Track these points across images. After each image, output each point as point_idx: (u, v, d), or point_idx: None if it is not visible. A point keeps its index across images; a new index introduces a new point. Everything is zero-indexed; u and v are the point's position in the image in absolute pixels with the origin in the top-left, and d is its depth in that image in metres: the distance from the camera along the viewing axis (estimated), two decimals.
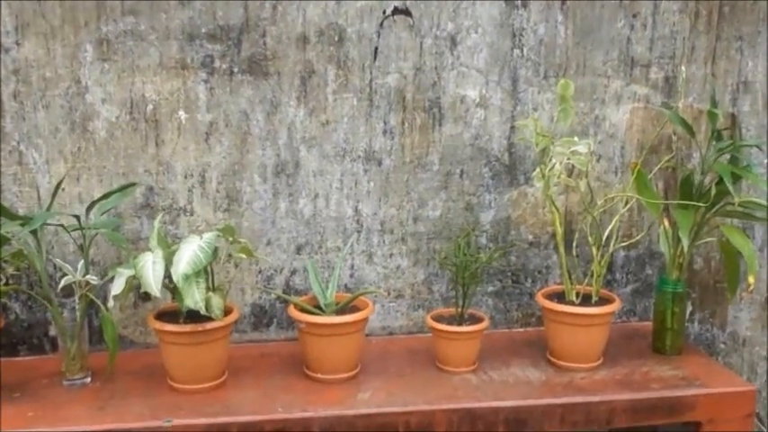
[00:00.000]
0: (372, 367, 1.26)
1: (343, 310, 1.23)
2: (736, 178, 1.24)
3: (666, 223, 1.33)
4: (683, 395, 1.18)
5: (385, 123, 1.34)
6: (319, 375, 1.20)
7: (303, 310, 1.21)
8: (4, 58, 1.21)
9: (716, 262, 1.49)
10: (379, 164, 1.35)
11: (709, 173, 1.29)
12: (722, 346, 1.53)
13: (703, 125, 1.41)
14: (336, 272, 1.28)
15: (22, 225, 1.12)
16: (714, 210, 1.28)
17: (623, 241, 1.39)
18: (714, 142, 1.29)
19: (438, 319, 1.26)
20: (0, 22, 1.19)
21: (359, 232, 1.37)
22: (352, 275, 1.38)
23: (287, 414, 1.10)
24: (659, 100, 1.41)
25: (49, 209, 1.19)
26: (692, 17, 1.39)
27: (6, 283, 1.18)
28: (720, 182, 1.25)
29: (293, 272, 1.37)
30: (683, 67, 1.39)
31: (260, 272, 1.36)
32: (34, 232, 1.14)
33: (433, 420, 1.12)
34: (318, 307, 1.24)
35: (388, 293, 1.40)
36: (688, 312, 1.48)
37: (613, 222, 1.29)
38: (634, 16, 1.37)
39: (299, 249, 1.36)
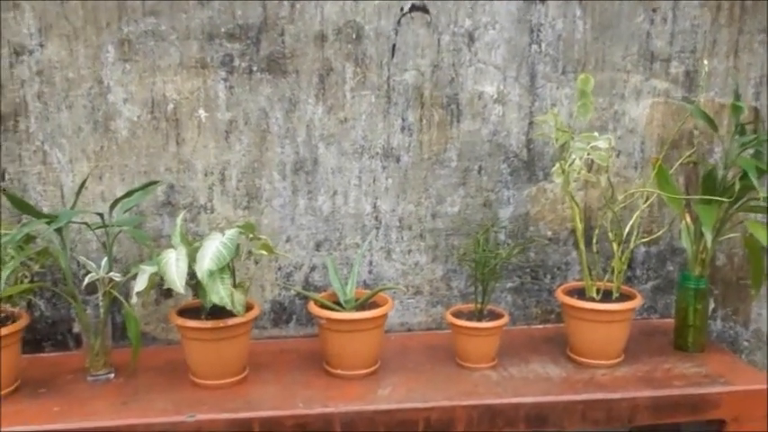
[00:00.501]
0: (392, 363, 1.26)
1: (362, 306, 1.24)
2: (761, 173, 1.22)
3: (688, 219, 1.31)
4: (706, 393, 1.17)
5: (403, 120, 1.34)
6: (339, 371, 1.21)
7: (323, 307, 1.22)
8: (29, 59, 1.23)
9: (739, 258, 1.47)
10: (398, 160, 1.36)
11: (732, 167, 1.28)
12: (746, 343, 1.51)
13: (725, 119, 1.40)
14: (355, 268, 1.28)
15: (48, 223, 1.14)
16: (737, 205, 1.27)
17: (644, 237, 1.38)
18: (737, 136, 1.27)
19: (457, 315, 1.26)
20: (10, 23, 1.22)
21: (377, 229, 1.38)
22: (370, 272, 1.39)
23: (308, 410, 1.11)
24: (680, 94, 1.40)
25: (73, 207, 1.21)
26: (713, 10, 1.37)
27: (32, 281, 1.19)
28: (744, 177, 1.23)
29: (312, 268, 1.37)
30: (705, 61, 1.38)
31: (279, 268, 1.37)
32: (59, 230, 1.16)
33: (453, 416, 1.12)
34: (338, 303, 1.24)
35: (407, 290, 1.40)
36: (711, 309, 1.47)
37: (634, 218, 1.28)
38: (654, 11, 1.36)
39: (318, 246, 1.37)
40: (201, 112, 1.29)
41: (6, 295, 1.11)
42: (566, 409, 1.15)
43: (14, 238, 1.12)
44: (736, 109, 1.26)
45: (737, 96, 1.28)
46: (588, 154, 1.23)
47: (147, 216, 1.31)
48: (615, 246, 1.28)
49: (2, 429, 1.04)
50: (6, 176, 1.26)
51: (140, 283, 1.14)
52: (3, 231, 1.16)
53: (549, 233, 1.42)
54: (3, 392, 1.13)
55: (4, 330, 1.12)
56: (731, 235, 1.33)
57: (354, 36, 1.30)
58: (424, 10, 1.30)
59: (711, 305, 1.47)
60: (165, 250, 1.13)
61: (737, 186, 1.25)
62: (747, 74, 1.41)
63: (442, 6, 1.31)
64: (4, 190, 1.26)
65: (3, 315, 1.17)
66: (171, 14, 1.25)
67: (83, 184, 1.21)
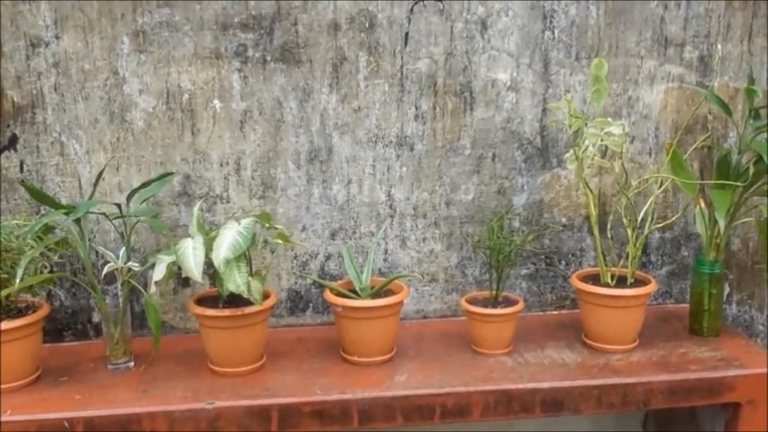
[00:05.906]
0: (408, 350, 1.27)
1: (378, 293, 1.24)
2: None
3: (702, 204, 1.31)
4: (721, 376, 1.18)
5: (416, 108, 1.34)
6: (356, 358, 1.22)
7: (339, 295, 1.23)
8: (45, 51, 1.24)
9: (754, 242, 1.47)
10: (411, 149, 1.36)
11: (747, 152, 1.27)
12: (761, 327, 1.51)
13: (739, 104, 1.39)
14: (371, 256, 1.29)
15: (67, 214, 1.15)
16: (752, 189, 1.27)
17: (658, 223, 1.38)
18: (751, 121, 1.27)
19: (472, 302, 1.27)
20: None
21: (392, 217, 1.38)
22: (385, 260, 1.40)
23: (325, 396, 1.12)
24: (694, 80, 1.39)
25: (90, 198, 1.23)
26: None
27: (51, 271, 1.21)
28: (758, 161, 1.23)
29: (328, 257, 1.38)
30: (718, 46, 1.37)
31: (295, 257, 1.38)
32: (77, 221, 1.17)
33: (469, 402, 1.13)
34: (354, 291, 1.25)
35: (422, 277, 1.41)
36: (725, 294, 1.47)
37: (648, 204, 1.28)
38: None
39: (333, 235, 1.37)
40: (216, 103, 1.29)
41: (26, 285, 1.12)
42: (581, 394, 1.15)
43: (33, 229, 1.13)
44: (751, 93, 1.26)
45: (752, 81, 1.28)
46: (602, 140, 1.23)
47: (163, 206, 1.32)
48: (630, 232, 1.28)
49: (25, 417, 1.06)
50: (24, 168, 1.27)
51: (158, 273, 1.14)
52: (22, 222, 1.17)
53: (564, 220, 1.42)
54: (26, 380, 1.15)
55: (25, 320, 1.13)
56: (745, 219, 1.33)
57: (367, 25, 1.30)
58: None
59: (726, 290, 1.47)
60: (183, 240, 1.14)
61: (752, 171, 1.25)
62: (761, 58, 1.40)
63: None
64: (23, 181, 1.27)
65: (23, 305, 1.18)
66: (185, 5, 1.25)
67: (100, 175, 1.22)
